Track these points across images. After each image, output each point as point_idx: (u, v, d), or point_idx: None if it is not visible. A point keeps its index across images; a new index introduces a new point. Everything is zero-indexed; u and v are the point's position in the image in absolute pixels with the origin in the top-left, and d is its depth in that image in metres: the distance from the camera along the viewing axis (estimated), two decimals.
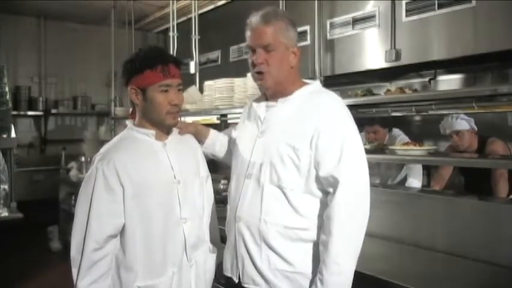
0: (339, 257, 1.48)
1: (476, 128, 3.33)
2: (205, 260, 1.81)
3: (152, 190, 1.64)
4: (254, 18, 1.67)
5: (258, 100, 1.79)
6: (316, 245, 1.57)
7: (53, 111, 6.28)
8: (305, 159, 1.56)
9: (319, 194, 1.59)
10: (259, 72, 1.64)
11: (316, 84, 1.72)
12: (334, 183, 1.53)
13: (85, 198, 1.61)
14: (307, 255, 1.59)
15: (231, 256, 1.71)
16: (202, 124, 2.12)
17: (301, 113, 1.61)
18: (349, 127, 1.59)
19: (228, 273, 1.72)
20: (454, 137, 3.32)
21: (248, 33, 1.68)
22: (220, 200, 3.11)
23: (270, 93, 1.70)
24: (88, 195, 1.60)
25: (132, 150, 1.67)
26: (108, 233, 1.59)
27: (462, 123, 3.27)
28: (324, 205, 1.57)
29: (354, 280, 1.51)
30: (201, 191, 1.83)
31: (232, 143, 1.91)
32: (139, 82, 1.65)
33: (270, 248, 1.59)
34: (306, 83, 1.71)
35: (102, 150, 1.69)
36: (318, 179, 1.57)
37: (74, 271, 1.59)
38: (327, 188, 1.56)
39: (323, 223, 1.55)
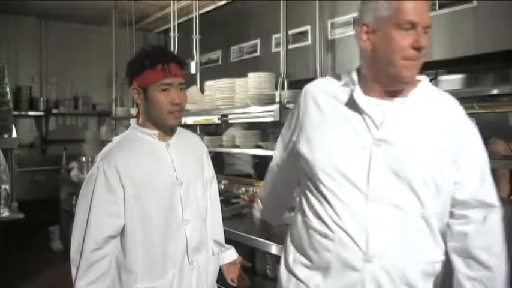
0: None
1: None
2: (208, 262, 1.79)
3: (153, 191, 1.62)
4: None
5: (354, 92, 1.32)
6: (437, 278, 1.34)
7: (54, 111, 6.29)
8: (448, 178, 1.28)
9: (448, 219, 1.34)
10: (415, 59, 1.27)
11: (428, 82, 1.39)
12: (477, 206, 1.31)
13: (85, 198, 1.59)
14: None
15: None
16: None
17: (430, 120, 1.31)
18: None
19: None
20: None
21: (407, 4, 1.23)
22: (222, 201, 3.12)
23: (395, 89, 1.31)
24: (88, 195, 1.58)
25: (134, 150, 1.65)
26: (107, 233, 1.57)
27: None
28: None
29: None
30: (204, 193, 1.81)
31: (297, 148, 1.43)
32: (141, 82, 1.63)
33: None
34: (418, 80, 1.36)
35: (104, 149, 1.67)
36: (451, 201, 1.32)
37: (73, 271, 1.58)
38: (462, 211, 1.32)
39: (458, 253, 1.32)
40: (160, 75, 1.61)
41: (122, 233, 1.61)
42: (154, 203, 1.62)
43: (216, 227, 1.93)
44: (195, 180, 1.76)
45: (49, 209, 5.28)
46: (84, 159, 5.13)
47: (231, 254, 1.98)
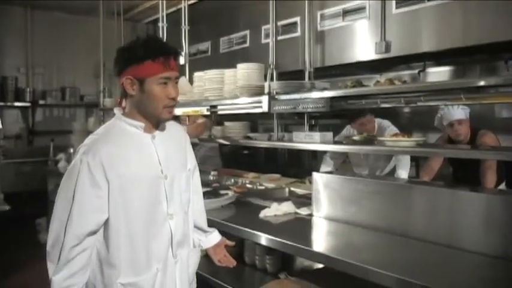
0: None
1: (468, 118, 3.33)
2: (189, 254, 1.79)
3: (138, 185, 1.59)
4: None
5: None
6: None
7: (41, 102, 6.21)
8: None
9: None
10: None
11: None
12: None
13: (67, 191, 1.53)
14: None
15: None
16: None
17: None
18: None
19: None
20: (456, 125, 3.28)
21: None
22: (211, 192, 3.12)
23: None
24: (70, 189, 1.52)
25: (120, 143, 1.60)
26: (90, 229, 1.53)
27: (463, 112, 3.25)
28: None
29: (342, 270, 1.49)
30: (187, 185, 1.80)
31: None
32: (138, 72, 1.56)
33: None
34: None
35: (88, 141, 1.60)
36: None
37: (50, 265, 1.52)
38: None
39: None
40: (161, 68, 1.56)
41: (106, 227, 1.57)
42: (139, 197, 1.59)
43: (199, 215, 1.95)
44: (179, 173, 1.74)
45: (36, 201, 5.23)
46: (72, 150, 5.09)
47: (215, 237, 2.03)
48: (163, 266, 1.65)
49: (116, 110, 1.69)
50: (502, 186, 3.32)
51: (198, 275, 1.93)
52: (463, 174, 3.40)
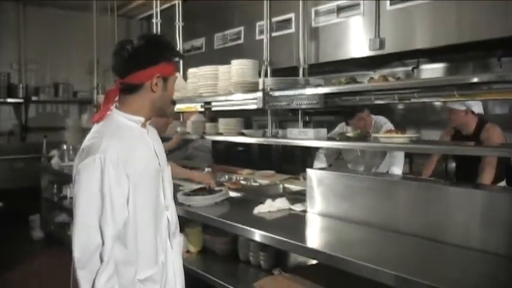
0: None
1: (478, 111, 3.30)
2: (179, 242, 1.86)
3: (147, 179, 1.63)
4: None
5: None
6: None
7: (34, 98, 6.17)
8: None
9: None
10: None
11: None
12: None
13: (91, 193, 1.48)
14: None
15: None
16: None
17: None
18: None
19: None
20: (448, 113, 3.34)
21: None
22: (206, 189, 3.12)
23: None
24: (95, 189, 1.47)
25: (129, 139, 1.60)
26: (120, 227, 1.52)
27: (456, 103, 3.24)
28: None
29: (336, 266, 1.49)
30: (170, 176, 1.86)
31: None
32: (166, 70, 1.64)
33: None
34: None
35: (97, 140, 1.54)
36: None
37: (81, 272, 1.45)
38: None
39: None
40: (176, 67, 1.71)
41: (124, 224, 1.56)
42: (147, 191, 1.63)
43: None
44: (167, 165, 1.81)
45: (29, 198, 5.22)
46: (65, 147, 5.07)
47: None
48: (165, 256, 1.71)
49: (113, 106, 1.68)
50: (503, 183, 3.31)
51: (193, 272, 1.94)
52: (466, 169, 3.38)
